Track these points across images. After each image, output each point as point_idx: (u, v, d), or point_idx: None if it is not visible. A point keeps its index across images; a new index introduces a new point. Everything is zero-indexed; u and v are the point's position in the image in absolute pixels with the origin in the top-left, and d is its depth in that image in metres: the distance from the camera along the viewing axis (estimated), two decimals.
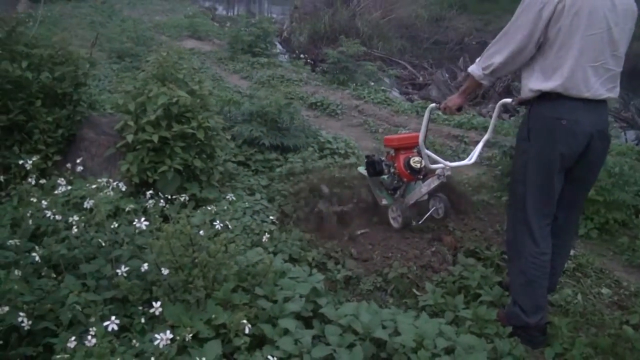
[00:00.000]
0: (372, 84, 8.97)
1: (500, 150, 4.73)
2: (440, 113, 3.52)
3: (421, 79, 12.27)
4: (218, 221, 3.21)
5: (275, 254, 3.19)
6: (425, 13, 19.42)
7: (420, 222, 3.70)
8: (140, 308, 2.27)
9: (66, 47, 3.74)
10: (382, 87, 9.09)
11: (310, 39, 14.93)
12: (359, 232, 3.65)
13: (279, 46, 16.15)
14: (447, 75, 11.52)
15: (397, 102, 7.73)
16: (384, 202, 3.84)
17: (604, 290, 3.13)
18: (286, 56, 14.10)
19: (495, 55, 2.53)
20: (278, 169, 4.52)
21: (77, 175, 3.49)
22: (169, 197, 3.30)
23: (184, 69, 3.72)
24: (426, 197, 3.64)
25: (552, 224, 2.65)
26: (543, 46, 2.41)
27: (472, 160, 3.40)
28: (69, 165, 3.30)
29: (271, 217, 3.69)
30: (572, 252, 3.51)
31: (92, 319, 2.14)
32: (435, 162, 3.41)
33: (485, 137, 3.37)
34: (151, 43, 10.68)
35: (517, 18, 2.43)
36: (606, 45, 2.35)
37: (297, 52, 13.85)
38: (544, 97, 2.45)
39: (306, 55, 13.00)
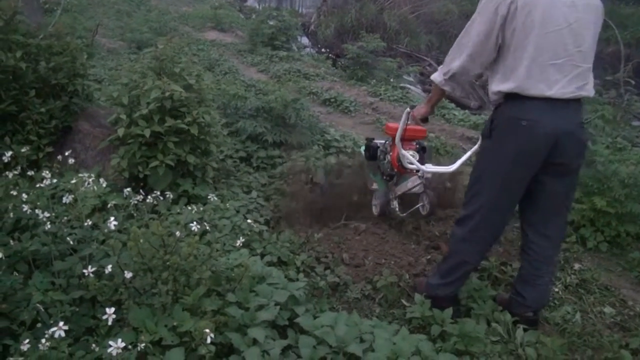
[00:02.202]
0: (392, 80, 8.78)
1: None
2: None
3: None
4: (202, 220, 3.16)
5: (263, 256, 3.10)
6: (456, 8, 19.04)
7: (404, 214, 3.66)
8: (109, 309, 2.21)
9: (64, 37, 3.69)
10: (402, 84, 8.90)
11: (337, 33, 14.77)
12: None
13: (305, 39, 16.05)
14: None
15: (414, 100, 7.55)
16: (374, 186, 3.84)
17: (607, 310, 2.94)
18: (310, 50, 13.98)
19: (454, 59, 2.49)
20: (280, 167, 4.42)
21: (68, 168, 3.45)
22: (158, 193, 3.24)
23: (181, 63, 3.64)
24: (420, 190, 3.53)
25: (537, 238, 2.60)
26: (502, 48, 2.37)
27: (453, 168, 3.29)
28: (59, 157, 3.26)
29: (264, 217, 3.60)
30: (577, 266, 3.34)
31: (55, 320, 2.08)
32: (411, 163, 3.36)
33: (475, 147, 3.19)
34: (173, 34, 10.69)
35: (474, 20, 2.40)
36: (569, 42, 2.28)
37: (320, 46, 13.73)
38: (508, 97, 2.40)
39: (328, 50, 12.87)
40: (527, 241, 2.66)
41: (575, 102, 2.36)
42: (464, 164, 3.24)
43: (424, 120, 3.01)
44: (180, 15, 14.39)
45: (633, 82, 6.89)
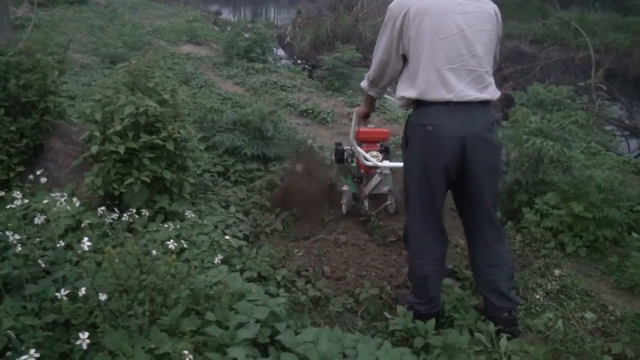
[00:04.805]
0: None
1: None
2: None
3: None
4: (180, 237, 3.10)
5: (242, 271, 3.05)
6: None
7: (373, 213, 3.87)
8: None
9: (34, 54, 3.62)
10: None
11: (312, 45, 14.81)
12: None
13: (281, 51, 16.07)
14: None
15: (391, 109, 7.57)
16: (344, 187, 3.99)
17: (588, 315, 2.95)
18: (285, 61, 14.00)
19: (371, 68, 2.75)
20: (258, 180, 4.37)
21: (41, 187, 3.37)
22: (134, 210, 3.17)
23: (155, 78, 3.58)
24: (386, 189, 3.79)
25: (475, 244, 2.71)
26: (407, 57, 2.50)
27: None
28: (31, 176, 3.17)
29: (243, 232, 3.55)
30: (557, 272, 3.35)
31: (27, 346, 2.00)
32: (367, 159, 3.63)
33: None
34: (148, 48, 10.60)
35: (381, 33, 2.58)
36: (462, 47, 2.39)
37: (295, 57, 13.74)
38: (414, 105, 2.53)
39: (304, 61, 12.89)
40: (470, 250, 2.77)
41: (480, 105, 2.45)
42: None
43: (365, 116, 3.52)
44: (155, 29, 14.27)
45: (605, 88, 7.02)
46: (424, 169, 2.47)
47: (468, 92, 2.39)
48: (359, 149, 3.66)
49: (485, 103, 2.47)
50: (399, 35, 2.46)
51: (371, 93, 2.95)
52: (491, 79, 2.50)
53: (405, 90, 2.51)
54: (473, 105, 2.41)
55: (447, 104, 2.39)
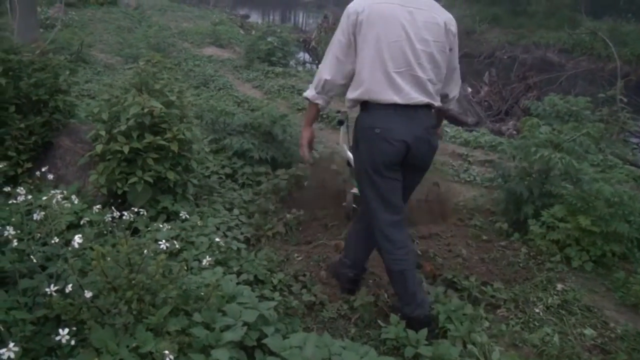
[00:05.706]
0: None
1: (500, 172, 4.48)
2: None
3: None
4: (179, 237, 3.13)
5: (239, 274, 3.06)
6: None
7: None
8: (74, 329, 2.17)
9: (46, 53, 3.70)
10: None
11: None
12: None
13: (307, 56, 16.12)
14: (469, 89, 11.18)
15: None
16: (352, 190, 3.94)
17: (587, 331, 2.88)
18: (309, 66, 14.03)
19: (323, 70, 2.65)
20: (265, 183, 4.39)
21: (48, 184, 3.43)
22: (136, 209, 3.21)
23: (163, 79, 3.63)
24: None
25: None
26: (357, 59, 2.54)
27: None
28: (38, 173, 3.24)
29: (244, 234, 3.56)
30: (560, 287, 3.28)
31: (14, 339, 2.04)
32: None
33: None
34: (171, 50, 10.75)
35: (335, 34, 2.60)
36: (409, 53, 2.47)
37: (318, 62, 13.75)
38: (362, 108, 2.58)
39: None
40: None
41: (423, 109, 2.55)
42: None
43: (310, 142, 2.86)
44: (180, 31, 14.45)
45: (625, 100, 6.88)
46: (375, 167, 2.55)
47: (414, 95, 2.48)
48: (348, 153, 3.69)
49: (428, 107, 2.57)
50: (353, 36, 2.52)
51: (319, 102, 2.69)
52: (433, 88, 2.56)
53: (354, 91, 2.56)
54: (417, 108, 2.51)
55: (394, 107, 2.47)
